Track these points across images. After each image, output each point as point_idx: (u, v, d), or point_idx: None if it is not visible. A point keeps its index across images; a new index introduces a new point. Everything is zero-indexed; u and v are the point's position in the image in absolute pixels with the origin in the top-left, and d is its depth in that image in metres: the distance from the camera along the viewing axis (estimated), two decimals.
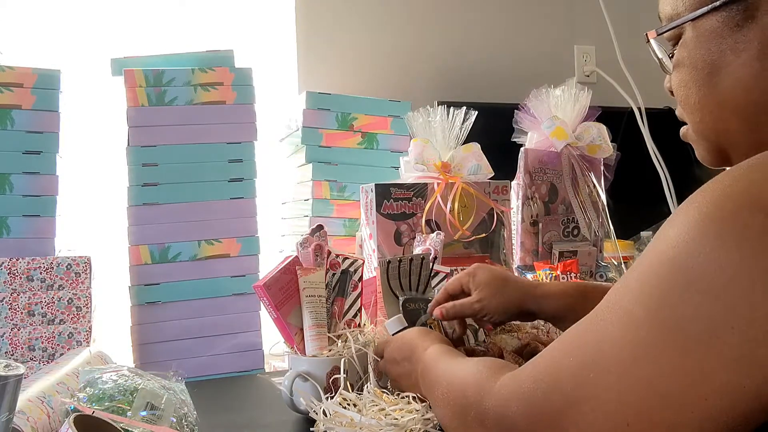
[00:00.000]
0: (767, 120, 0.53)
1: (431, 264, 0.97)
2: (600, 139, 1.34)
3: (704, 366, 0.40)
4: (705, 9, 0.55)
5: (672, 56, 0.60)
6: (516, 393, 0.51)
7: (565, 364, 0.47)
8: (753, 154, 0.47)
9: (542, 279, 1.19)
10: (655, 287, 0.43)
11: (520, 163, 1.32)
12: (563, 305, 0.80)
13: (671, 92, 0.61)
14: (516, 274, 1.26)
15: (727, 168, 0.46)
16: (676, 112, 0.62)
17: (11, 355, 0.98)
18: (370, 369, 0.81)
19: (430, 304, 0.89)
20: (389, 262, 0.94)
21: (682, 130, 0.62)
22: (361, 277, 0.93)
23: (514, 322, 0.97)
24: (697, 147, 0.62)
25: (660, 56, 0.61)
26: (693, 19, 0.56)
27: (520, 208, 1.31)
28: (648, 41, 0.61)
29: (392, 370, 0.79)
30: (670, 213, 1.65)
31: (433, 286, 0.97)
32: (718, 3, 0.54)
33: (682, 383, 0.41)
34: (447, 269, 1.01)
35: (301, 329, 0.85)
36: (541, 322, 0.98)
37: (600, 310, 0.48)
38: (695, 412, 0.40)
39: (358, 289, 0.92)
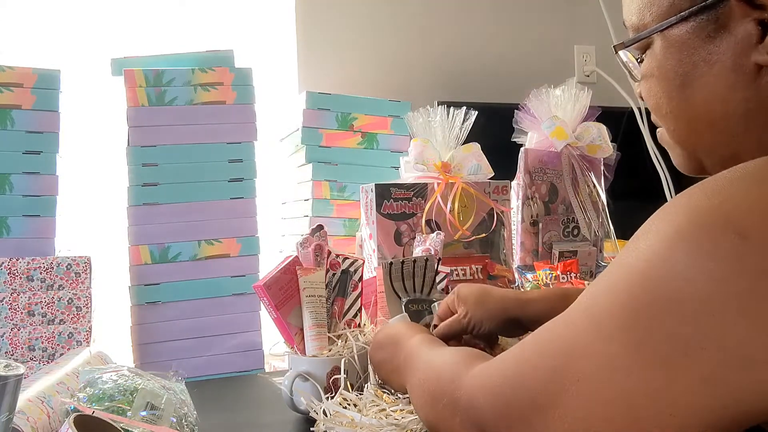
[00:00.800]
0: (742, 132, 0.52)
1: (436, 265, 0.97)
2: (600, 139, 1.34)
3: (672, 385, 0.40)
4: (673, 19, 0.53)
5: (640, 61, 0.58)
6: (485, 386, 0.51)
7: (534, 364, 0.47)
8: (728, 165, 0.46)
9: (542, 279, 1.19)
10: (624, 302, 0.43)
11: (520, 163, 1.32)
12: (545, 309, 0.79)
13: (641, 98, 0.61)
14: (516, 274, 1.26)
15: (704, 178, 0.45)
16: (651, 118, 0.61)
17: (11, 355, 0.98)
18: (370, 369, 0.81)
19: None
20: (391, 263, 0.93)
21: (658, 132, 0.62)
22: (361, 277, 0.93)
23: None
24: (673, 153, 0.61)
25: (628, 64, 0.60)
26: (662, 30, 0.54)
27: (520, 208, 1.31)
28: (616, 53, 0.60)
29: (376, 354, 0.79)
30: None
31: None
32: (686, 13, 0.52)
33: (650, 399, 0.41)
34: (447, 269, 1.01)
35: (301, 329, 0.85)
36: None
37: (572, 314, 0.47)
38: (662, 428, 0.40)
39: (358, 289, 0.92)
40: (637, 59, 0.59)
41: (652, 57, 0.56)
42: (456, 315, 0.83)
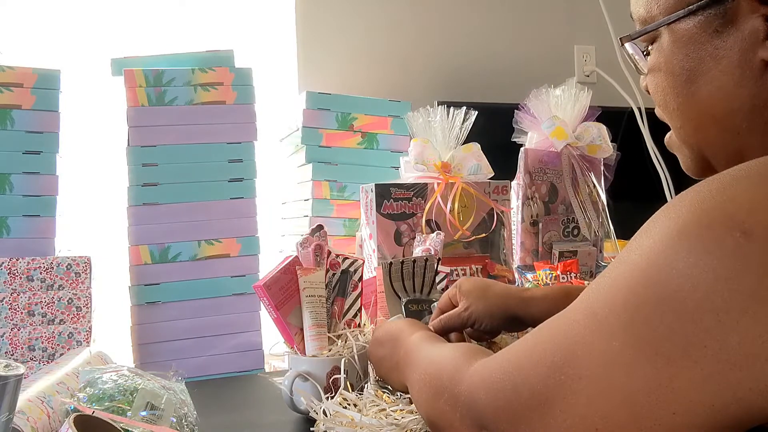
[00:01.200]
0: (748, 128, 0.52)
1: (436, 265, 0.97)
2: (600, 139, 1.34)
3: (674, 383, 0.40)
4: (681, 13, 0.53)
5: (646, 53, 0.58)
6: (485, 382, 0.50)
7: (535, 360, 0.47)
8: (734, 163, 0.45)
9: (542, 279, 1.19)
10: (626, 299, 0.42)
11: (520, 163, 1.32)
12: (547, 308, 0.79)
13: (648, 91, 0.60)
14: (516, 274, 1.26)
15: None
16: (656, 112, 0.61)
17: (11, 355, 0.98)
18: (370, 369, 0.81)
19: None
20: (391, 263, 0.93)
21: (666, 138, 0.61)
22: (361, 277, 0.93)
23: None
24: (680, 155, 0.61)
25: (634, 57, 0.59)
26: (669, 23, 0.54)
27: (520, 208, 1.31)
28: (622, 45, 0.59)
29: (375, 351, 0.79)
30: None
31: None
32: (694, 7, 0.52)
33: (651, 397, 0.40)
34: (447, 269, 1.01)
35: (301, 329, 0.85)
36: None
37: (574, 310, 0.47)
38: (663, 426, 0.40)
39: (358, 289, 0.92)
40: (643, 52, 0.59)
41: (659, 51, 0.56)
42: (457, 308, 0.83)
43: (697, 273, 0.39)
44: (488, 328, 0.83)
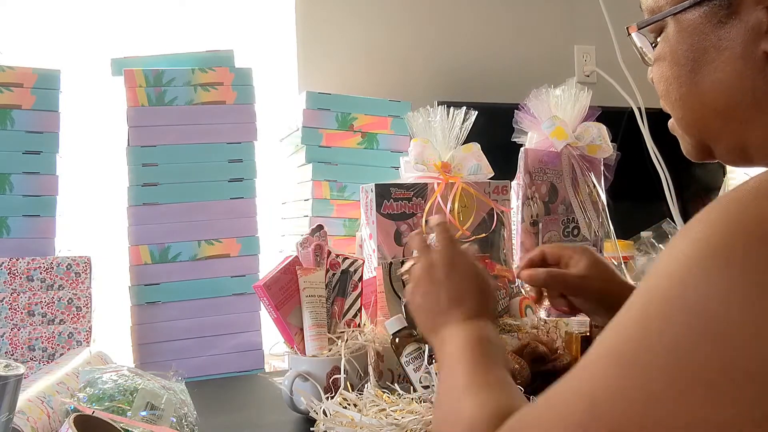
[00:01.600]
0: (750, 119, 0.52)
1: None
2: (600, 139, 1.34)
3: (718, 411, 0.37)
4: (687, 3, 0.53)
5: (654, 45, 0.58)
6: None
7: (553, 425, 0.42)
8: (735, 152, 0.44)
9: None
10: (662, 331, 0.39)
11: (520, 163, 1.32)
12: None
13: (652, 82, 0.60)
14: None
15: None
16: (660, 103, 0.61)
17: (11, 355, 0.98)
18: (370, 369, 0.81)
19: (519, 265, 0.86)
20: (391, 263, 0.93)
21: (670, 122, 0.61)
22: (361, 277, 0.93)
23: (514, 322, 0.97)
24: (682, 141, 0.61)
25: (642, 48, 0.59)
26: (675, 14, 0.54)
27: (520, 208, 1.31)
28: (629, 35, 0.60)
29: (432, 277, 0.68)
30: (670, 213, 1.65)
31: None
32: None
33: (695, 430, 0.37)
34: None
35: (301, 329, 0.85)
36: (542, 321, 0.98)
37: (598, 357, 0.43)
38: None
39: (358, 289, 0.92)
40: (651, 44, 0.59)
41: (665, 41, 0.56)
42: (575, 273, 0.81)
43: (732, 296, 0.37)
44: (581, 305, 0.81)
